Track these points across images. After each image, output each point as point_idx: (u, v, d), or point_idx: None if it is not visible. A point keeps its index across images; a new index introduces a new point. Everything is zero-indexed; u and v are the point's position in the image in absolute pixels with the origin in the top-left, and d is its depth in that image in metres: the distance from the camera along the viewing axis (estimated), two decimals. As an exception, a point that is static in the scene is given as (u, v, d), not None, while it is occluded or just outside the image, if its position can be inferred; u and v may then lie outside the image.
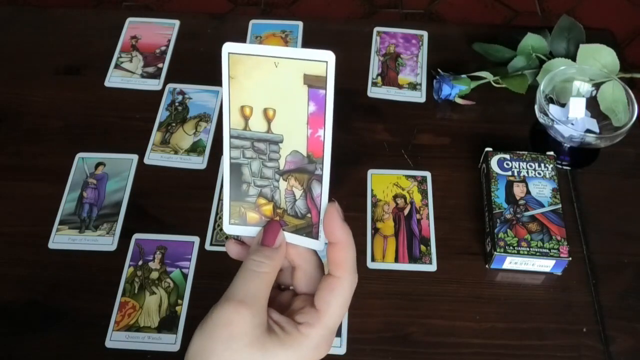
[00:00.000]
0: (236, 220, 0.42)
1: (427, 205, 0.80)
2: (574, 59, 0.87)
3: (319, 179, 0.40)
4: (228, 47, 0.38)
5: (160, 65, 0.95)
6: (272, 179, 0.41)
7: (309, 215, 0.40)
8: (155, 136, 0.86)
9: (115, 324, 0.70)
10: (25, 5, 1.05)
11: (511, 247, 0.72)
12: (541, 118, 0.81)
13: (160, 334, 0.70)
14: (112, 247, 0.76)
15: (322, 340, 0.39)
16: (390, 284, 0.74)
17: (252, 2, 2.01)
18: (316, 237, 0.41)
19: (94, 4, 2.00)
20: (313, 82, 0.38)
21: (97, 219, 0.78)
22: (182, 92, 0.92)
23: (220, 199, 0.80)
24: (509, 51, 0.92)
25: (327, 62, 0.37)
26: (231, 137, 0.40)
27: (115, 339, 0.69)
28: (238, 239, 0.43)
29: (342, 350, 0.68)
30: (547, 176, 0.78)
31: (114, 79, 0.93)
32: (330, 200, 0.40)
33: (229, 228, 0.42)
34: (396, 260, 0.75)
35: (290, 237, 0.41)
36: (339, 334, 0.69)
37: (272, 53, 0.38)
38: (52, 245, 0.76)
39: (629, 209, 0.80)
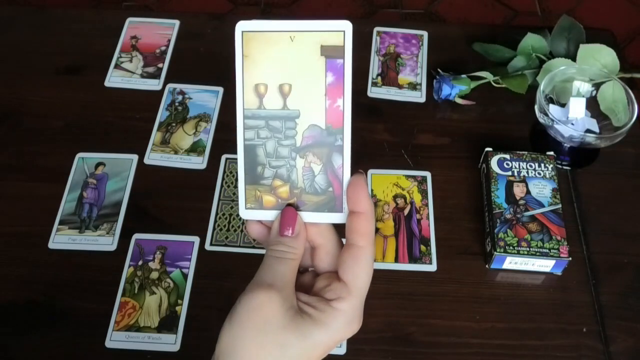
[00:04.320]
0: (252, 204, 0.41)
1: (427, 205, 0.80)
2: (574, 59, 0.87)
3: (340, 150, 0.39)
4: (242, 26, 0.38)
5: (160, 65, 0.95)
6: (288, 157, 0.40)
7: (330, 189, 0.40)
8: (155, 136, 0.86)
9: (115, 324, 0.70)
10: (25, 5, 1.05)
11: (511, 247, 0.72)
12: (541, 118, 0.81)
13: (160, 334, 0.70)
14: (112, 247, 0.76)
15: (355, 313, 0.39)
16: (390, 284, 0.74)
17: (252, 2, 2.01)
18: (339, 210, 0.40)
19: (94, 4, 2.00)
20: (330, 53, 0.38)
21: (97, 219, 0.78)
22: (182, 92, 0.92)
23: (220, 199, 0.80)
24: (509, 51, 0.92)
25: (344, 31, 0.38)
26: (245, 117, 0.40)
27: (115, 339, 0.69)
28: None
29: (342, 350, 0.68)
30: (547, 176, 0.78)
31: (114, 79, 0.93)
32: (357, 171, 0.39)
33: (245, 213, 0.41)
34: (396, 260, 0.75)
35: (310, 217, 0.40)
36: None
37: (288, 27, 0.38)
38: (52, 245, 0.76)
39: (629, 209, 0.80)
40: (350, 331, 0.39)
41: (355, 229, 0.39)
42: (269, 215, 0.41)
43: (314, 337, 0.37)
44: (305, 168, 0.40)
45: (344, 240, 0.41)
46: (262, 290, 0.37)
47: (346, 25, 0.38)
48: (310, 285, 0.41)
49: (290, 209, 0.40)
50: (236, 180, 0.80)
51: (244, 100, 0.39)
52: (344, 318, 0.38)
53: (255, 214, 0.41)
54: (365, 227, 0.39)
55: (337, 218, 0.40)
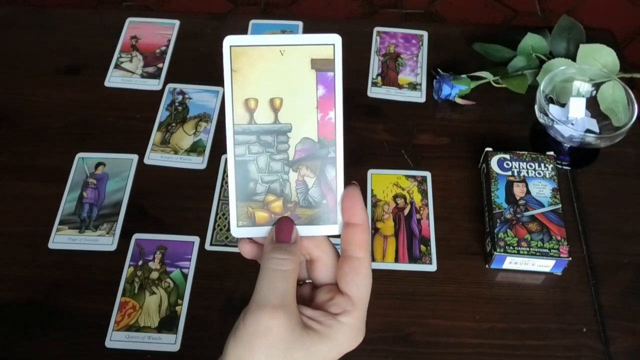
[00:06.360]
0: (244, 222, 0.40)
1: (427, 205, 0.80)
2: (574, 59, 0.87)
3: (333, 162, 0.39)
4: (229, 41, 0.38)
5: (160, 65, 0.95)
6: (280, 172, 0.40)
7: (324, 201, 0.40)
8: (155, 136, 0.86)
9: (115, 324, 0.70)
10: (25, 5, 1.05)
11: (511, 247, 0.72)
12: (541, 118, 0.81)
13: (160, 334, 0.70)
14: (112, 247, 0.76)
15: (360, 325, 0.39)
16: (390, 284, 0.74)
17: (252, 2, 2.01)
18: (334, 222, 0.40)
19: (94, 4, 2.00)
20: (321, 66, 0.38)
21: (97, 219, 0.78)
22: (182, 92, 0.92)
23: (220, 199, 0.80)
24: (509, 51, 0.92)
25: (334, 44, 0.38)
26: (235, 133, 0.39)
27: (115, 339, 0.69)
28: (250, 238, 0.41)
29: (342, 350, 0.68)
30: (547, 176, 0.78)
31: (114, 79, 0.93)
32: (351, 183, 0.40)
33: (237, 231, 0.40)
34: (396, 260, 0.75)
35: (305, 230, 0.40)
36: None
37: (277, 42, 0.38)
38: (52, 245, 0.76)
39: (629, 209, 0.80)
40: (356, 343, 0.39)
41: (353, 241, 0.39)
42: (262, 231, 0.40)
43: (320, 352, 0.37)
44: (299, 182, 0.40)
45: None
46: (268, 313, 0.36)
47: (336, 39, 0.38)
48: (309, 297, 0.41)
49: (285, 218, 0.40)
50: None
51: (234, 115, 0.39)
52: (350, 331, 0.38)
53: (248, 232, 0.40)
54: (362, 238, 0.39)
55: (332, 230, 0.40)
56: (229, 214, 0.41)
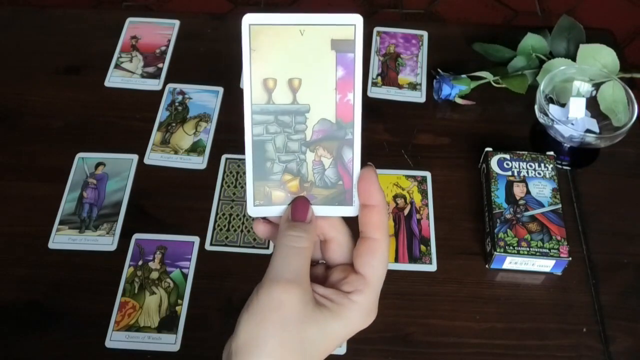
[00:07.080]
0: (261, 201, 0.40)
1: (427, 205, 0.80)
2: (574, 59, 0.87)
3: (350, 143, 0.39)
4: (249, 19, 0.38)
5: (160, 65, 0.95)
6: (298, 152, 0.40)
7: (340, 182, 0.40)
8: (155, 136, 0.86)
9: (115, 324, 0.70)
10: (25, 5, 1.05)
11: (511, 247, 0.72)
12: (541, 118, 0.81)
13: (160, 334, 0.70)
14: (112, 247, 0.76)
15: (372, 305, 0.39)
16: (390, 284, 0.73)
17: (252, 2, 2.01)
18: (350, 203, 0.40)
19: (94, 4, 2.00)
20: (341, 47, 0.38)
21: (97, 219, 0.78)
22: (182, 92, 0.92)
23: (220, 199, 0.80)
24: (509, 51, 0.92)
25: (355, 25, 0.37)
26: (253, 113, 0.39)
27: (115, 339, 0.69)
28: (265, 218, 0.41)
29: (342, 350, 0.68)
30: (547, 176, 0.78)
31: (114, 79, 0.93)
32: (367, 164, 0.39)
33: (253, 210, 0.40)
34: (396, 260, 0.75)
35: (321, 210, 0.40)
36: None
37: (297, 21, 0.37)
38: (52, 245, 0.76)
39: (629, 209, 0.80)
40: (367, 322, 0.39)
41: (369, 222, 0.39)
42: (278, 211, 0.40)
43: (332, 329, 0.37)
44: (316, 162, 0.40)
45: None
46: (281, 287, 0.36)
47: (357, 19, 0.37)
48: (323, 277, 0.41)
49: (301, 197, 0.40)
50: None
51: (252, 95, 0.39)
52: (361, 310, 0.38)
53: (264, 211, 0.41)
54: (378, 219, 0.39)
55: (348, 211, 0.40)
56: (245, 194, 0.41)
